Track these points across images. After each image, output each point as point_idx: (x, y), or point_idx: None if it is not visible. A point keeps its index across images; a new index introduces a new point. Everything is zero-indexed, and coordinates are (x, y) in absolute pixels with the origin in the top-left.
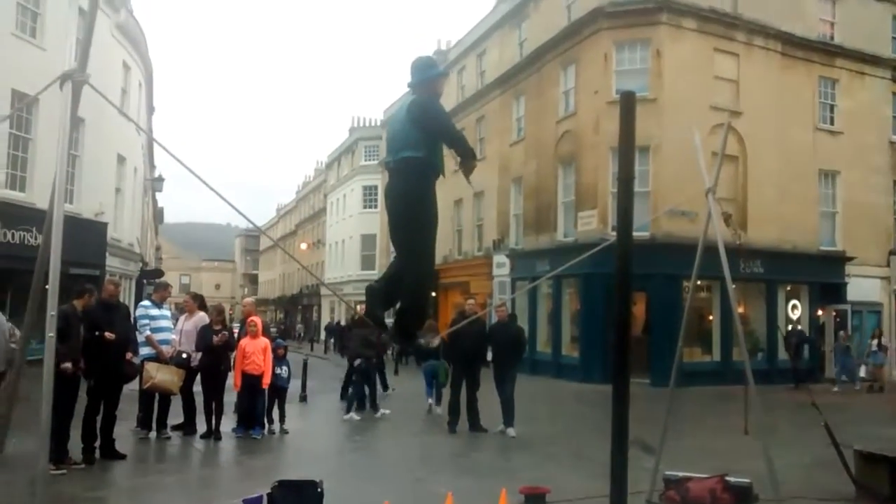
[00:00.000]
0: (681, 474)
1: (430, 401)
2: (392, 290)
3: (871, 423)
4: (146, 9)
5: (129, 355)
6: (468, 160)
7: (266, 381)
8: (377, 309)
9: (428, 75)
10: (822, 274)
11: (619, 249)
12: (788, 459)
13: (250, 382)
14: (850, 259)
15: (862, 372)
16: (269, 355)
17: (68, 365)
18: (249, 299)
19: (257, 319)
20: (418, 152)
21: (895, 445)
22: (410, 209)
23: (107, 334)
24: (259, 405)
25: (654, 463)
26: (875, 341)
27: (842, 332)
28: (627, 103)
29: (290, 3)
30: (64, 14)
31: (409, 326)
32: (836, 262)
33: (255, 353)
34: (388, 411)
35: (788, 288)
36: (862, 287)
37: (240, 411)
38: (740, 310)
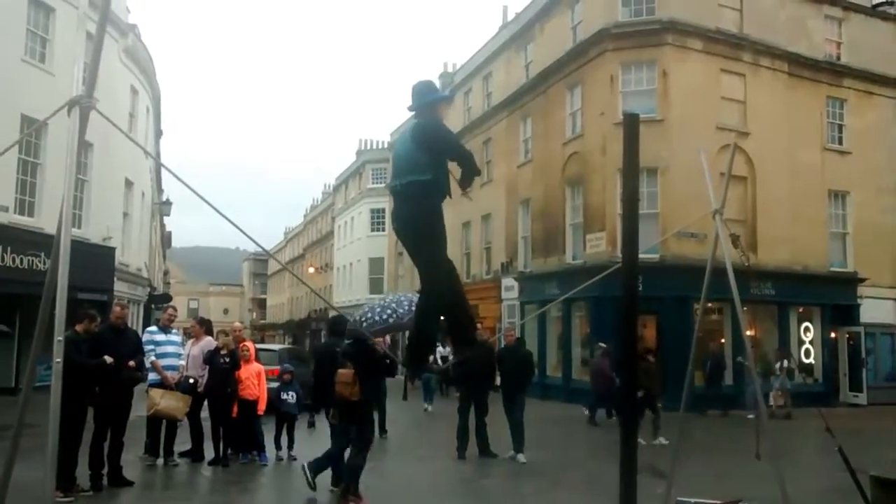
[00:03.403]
0: (693, 500)
1: (425, 405)
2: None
3: (886, 447)
4: (154, 34)
5: (131, 364)
6: (470, 177)
7: (261, 406)
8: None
9: (429, 99)
10: (834, 296)
11: (624, 271)
12: (802, 485)
13: (246, 408)
14: (863, 280)
15: (770, 399)
16: (264, 380)
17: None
18: (238, 324)
19: (250, 344)
20: (425, 175)
21: None
22: (421, 232)
23: (106, 359)
24: (257, 430)
25: (666, 488)
26: (778, 364)
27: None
28: (631, 125)
29: (299, 26)
30: (72, 39)
31: (421, 352)
32: (848, 283)
33: (250, 378)
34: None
35: (800, 310)
36: (875, 309)
37: (235, 437)
38: (751, 332)
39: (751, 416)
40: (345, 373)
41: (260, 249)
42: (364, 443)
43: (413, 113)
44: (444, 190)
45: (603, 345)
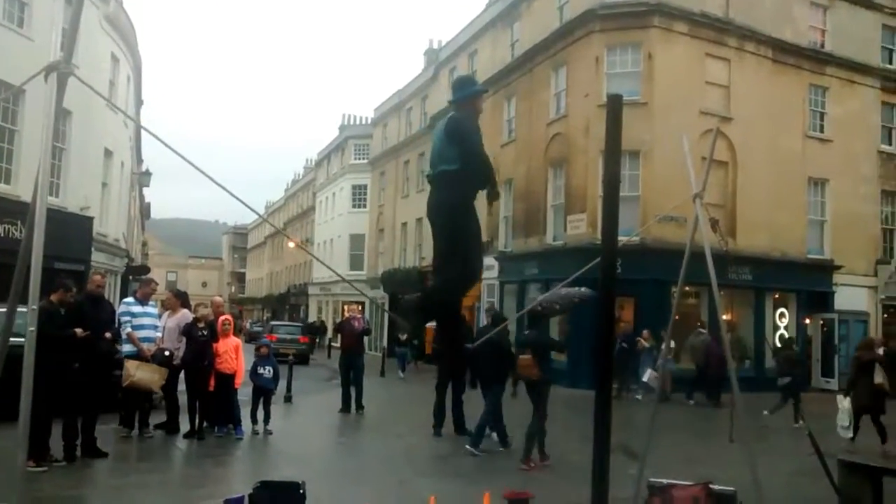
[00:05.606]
0: (665, 481)
1: (399, 373)
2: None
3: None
4: (136, 1)
5: (107, 335)
6: (487, 187)
7: (238, 380)
8: (410, 321)
9: (468, 92)
10: (809, 282)
11: (603, 254)
12: (773, 468)
13: (223, 382)
14: (838, 268)
15: (645, 377)
16: (241, 354)
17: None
18: (218, 298)
19: (230, 317)
20: (453, 165)
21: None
22: (451, 219)
23: (77, 331)
24: (234, 404)
25: (639, 469)
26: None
27: (645, 332)
28: (614, 107)
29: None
30: (51, 4)
31: (426, 318)
32: (824, 270)
33: (228, 351)
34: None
35: (776, 296)
36: (849, 296)
37: (211, 410)
38: (728, 317)
39: (638, 398)
40: (525, 357)
41: (252, 213)
42: (542, 414)
43: (453, 105)
44: (474, 182)
45: (703, 330)
